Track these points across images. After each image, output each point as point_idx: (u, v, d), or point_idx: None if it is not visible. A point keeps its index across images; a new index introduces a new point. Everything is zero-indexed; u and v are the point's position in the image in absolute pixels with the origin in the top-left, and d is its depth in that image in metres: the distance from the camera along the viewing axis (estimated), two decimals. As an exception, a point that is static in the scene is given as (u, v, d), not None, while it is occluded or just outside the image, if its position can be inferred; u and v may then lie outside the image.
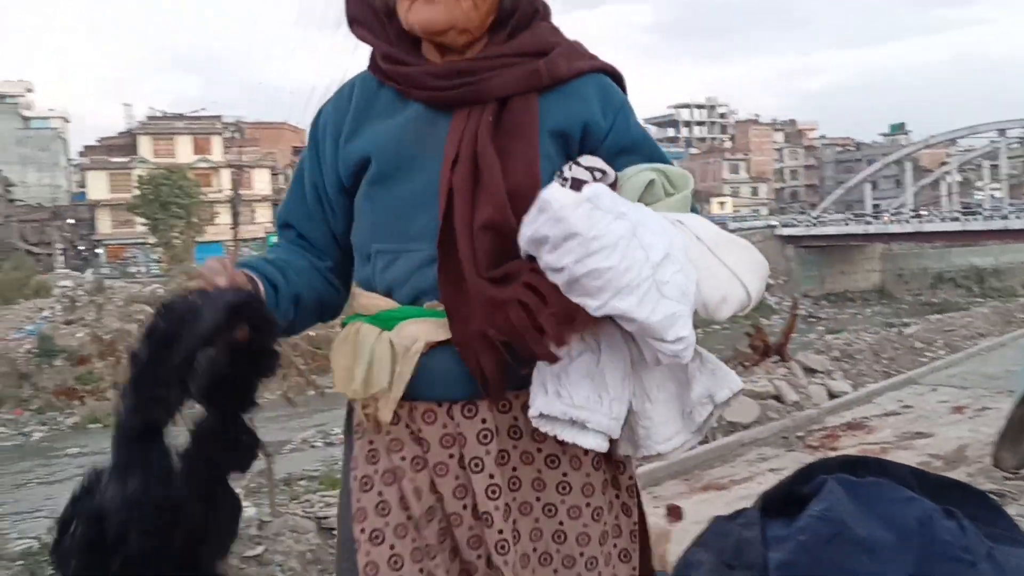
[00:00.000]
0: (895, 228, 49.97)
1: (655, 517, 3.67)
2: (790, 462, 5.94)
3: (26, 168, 60.76)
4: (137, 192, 45.20)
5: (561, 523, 1.40)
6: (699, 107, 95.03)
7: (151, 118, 60.51)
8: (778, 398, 8.67)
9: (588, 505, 1.41)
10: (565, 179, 1.35)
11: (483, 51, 1.43)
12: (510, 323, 1.27)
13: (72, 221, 56.09)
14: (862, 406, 8.28)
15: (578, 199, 1.23)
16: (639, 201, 1.36)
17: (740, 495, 5.02)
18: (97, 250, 52.37)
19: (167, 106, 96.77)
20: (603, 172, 1.37)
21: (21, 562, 7.51)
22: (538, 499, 1.41)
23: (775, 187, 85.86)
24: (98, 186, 56.22)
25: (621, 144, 1.46)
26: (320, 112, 1.54)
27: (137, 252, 50.00)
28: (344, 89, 1.53)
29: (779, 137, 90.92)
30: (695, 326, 1.29)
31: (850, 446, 6.51)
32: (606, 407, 1.32)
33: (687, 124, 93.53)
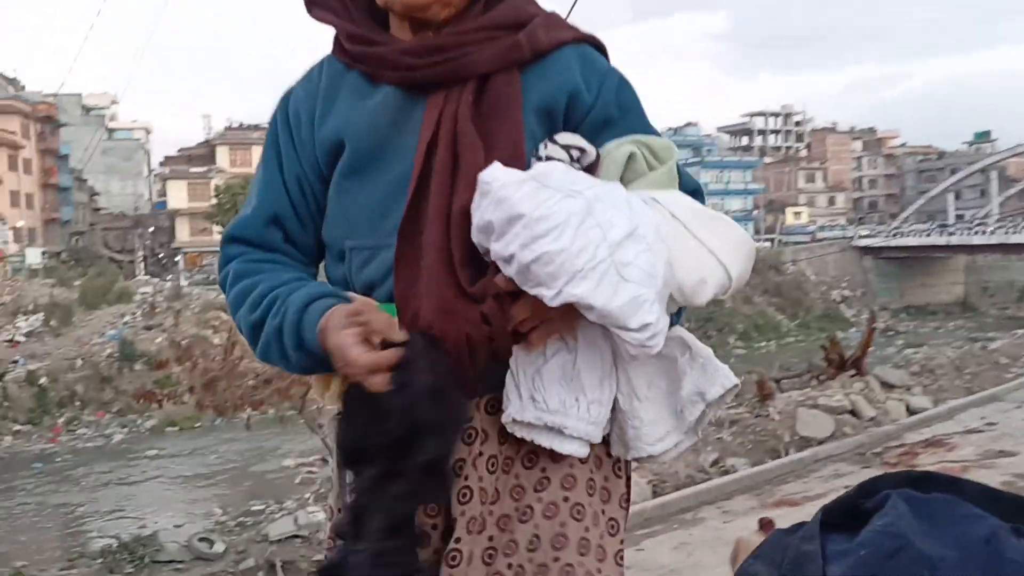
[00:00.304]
0: (979, 239, 48.25)
1: (747, 532, 3.61)
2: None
3: (110, 178, 63.20)
4: (214, 201, 46.54)
5: (563, 524, 1.25)
6: (774, 115, 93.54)
7: (229, 129, 62.40)
8: (854, 413, 8.49)
9: (588, 507, 1.28)
10: (540, 159, 1.24)
11: (457, 25, 1.31)
12: (468, 336, 1.20)
13: (152, 229, 57.98)
14: (943, 423, 8.06)
15: (521, 177, 1.14)
16: (621, 178, 1.25)
17: (813, 512, 4.92)
18: (176, 257, 53.98)
19: (244, 117, 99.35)
20: (581, 150, 1.26)
21: (100, 560, 7.79)
22: (538, 502, 1.27)
23: (853, 197, 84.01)
24: (178, 195, 58.16)
25: (606, 115, 1.34)
26: (289, 97, 1.41)
27: (214, 260, 51.42)
28: (312, 72, 1.41)
29: (857, 146, 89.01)
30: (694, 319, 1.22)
31: (929, 464, 6.32)
32: (583, 411, 1.23)
33: (761, 133, 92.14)
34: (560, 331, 1.22)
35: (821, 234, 54.20)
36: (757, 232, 65.89)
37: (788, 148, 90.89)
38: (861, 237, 53.06)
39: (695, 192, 1.34)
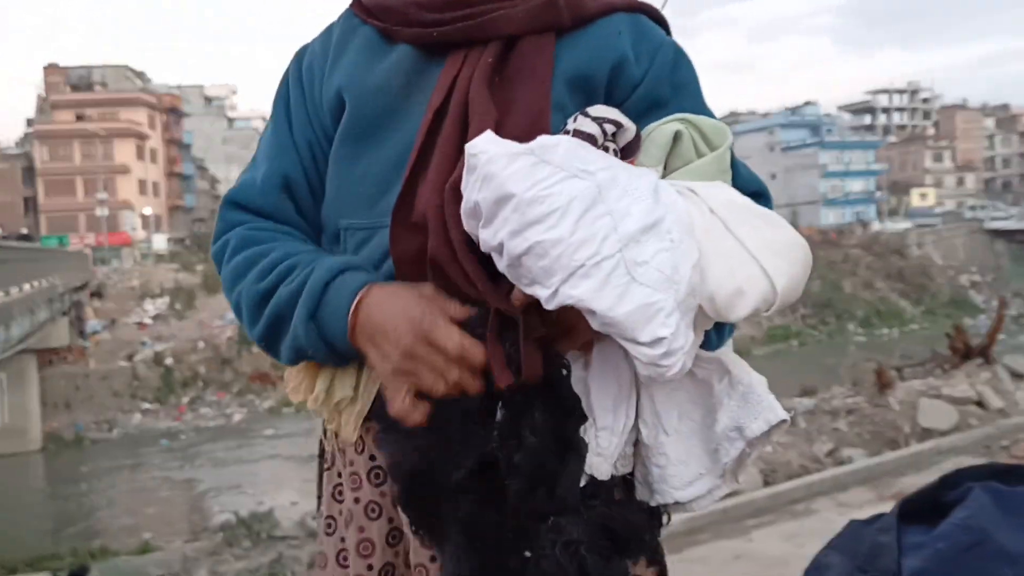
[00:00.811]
0: None
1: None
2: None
3: (230, 166, 66.10)
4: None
5: None
6: (899, 92, 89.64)
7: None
8: (980, 404, 8.11)
9: None
10: (568, 132, 1.05)
11: None
12: None
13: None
14: (1077, 415, 7.60)
15: (515, 150, 0.95)
16: (664, 164, 1.08)
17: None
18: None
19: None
20: (618, 124, 1.07)
21: (221, 533, 8.17)
22: None
23: (984, 177, 79.86)
24: (295, 184, 60.30)
25: (657, 94, 1.16)
26: (304, 51, 1.26)
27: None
28: (331, 26, 1.26)
29: (989, 123, 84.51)
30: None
31: (1059, 459, 5.99)
32: (591, 441, 1.02)
33: (885, 111, 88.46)
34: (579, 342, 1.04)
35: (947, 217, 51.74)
36: (880, 214, 63.43)
37: (914, 127, 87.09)
38: (993, 219, 50.35)
39: (757, 195, 1.11)
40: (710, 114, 1.17)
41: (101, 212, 47.21)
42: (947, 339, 10.42)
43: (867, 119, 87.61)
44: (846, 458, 6.83)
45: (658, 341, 0.90)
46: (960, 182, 77.15)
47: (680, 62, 1.20)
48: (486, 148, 0.96)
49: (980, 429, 7.36)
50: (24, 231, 31.74)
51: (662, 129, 1.08)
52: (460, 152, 1.02)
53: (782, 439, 6.83)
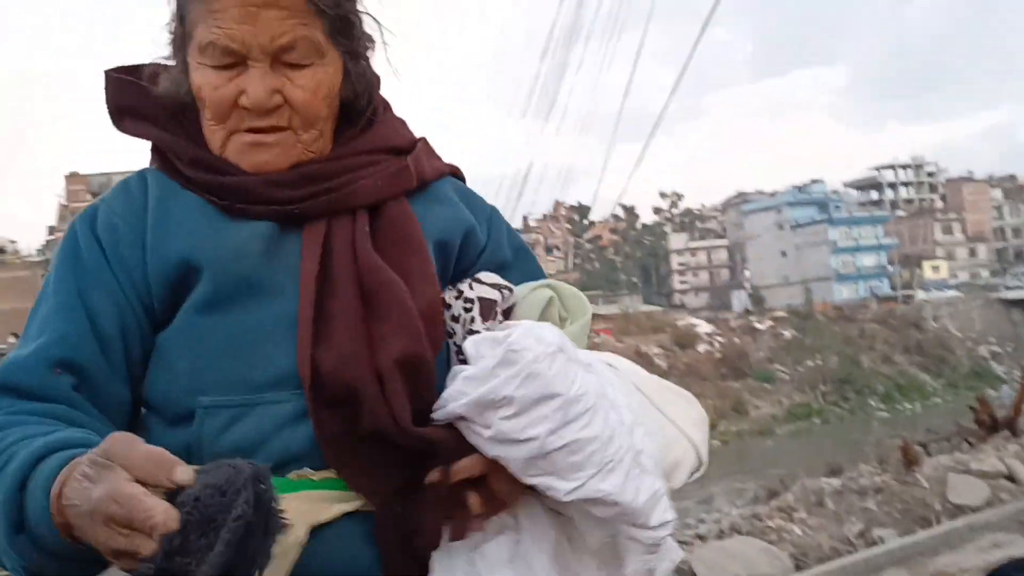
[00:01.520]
0: None
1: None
2: (1029, 549, 5.47)
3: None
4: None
5: None
6: (904, 167, 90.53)
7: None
8: (1011, 478, 7.98)
9: None
10: (470, 300, 1.10)
11: (336, 148, 1.13)
12: (426, 505, 1.00)
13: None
14: (1112, 487, 7.48)
15: (550, 347, 0.97)
16: None
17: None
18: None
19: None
20: (510, 290, 1.12)
21: None
22: None
23: (995, 247, 79.83)
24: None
25: (501, 257, 1.21)
26: (95, 214, 1.10)
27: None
28: (129, 185, 1.12)
29: (997, 194, 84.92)
30: None
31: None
32: None
33: (892, 186, 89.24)
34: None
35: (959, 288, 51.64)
36: (893, 288, 63.31)
37: (921, 200, 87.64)
38: (1008, 289, 50.22)
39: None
40: (543, 273, 1.25)
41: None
42: (971, 412, 10.32)
43: (874, 195, 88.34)
44: (877, 538, 6.71)
45: (665, 524, 0.97)
46: (972, 253, 77.21)
47: (508, 225, 1.27)
48: (528, 345, 0.96)
49: (1013, 504, 7.24)
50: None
51: (536, 294, 1.15)
52: (364, 321, 1.02)
53: (811, 521, 6.75)
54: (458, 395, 0.99)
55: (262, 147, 1.07)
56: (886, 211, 79.39)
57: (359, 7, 1.12)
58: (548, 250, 76.30)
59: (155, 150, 1.14)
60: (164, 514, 0.72)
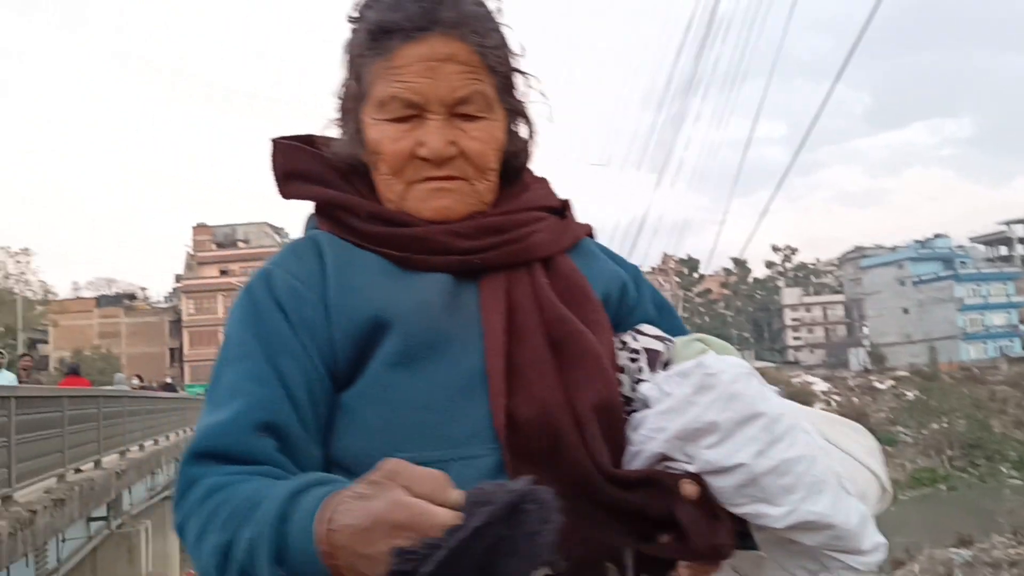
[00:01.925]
0: None
1: None
2: None
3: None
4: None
5: None
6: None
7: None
8: None
9: None
10: (635, 351, 1.09)
11: (501, 204, 1.15)
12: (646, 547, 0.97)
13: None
14: None
15: (744, 367, 0.97)
16: None
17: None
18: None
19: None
20: (670, 341, 1.12)
21: None
22: None
23: None
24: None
25: (648, 314, 1.21)
26: (270, 275, 1.09)
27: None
28: (300, 247, 1.13)
29: None
30: None
31: None
32: None
33: (1022, 241, 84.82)
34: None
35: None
36: (1026, 348, 59.83)
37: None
38: None
39: None
40: (686, 328, 1.24)
41: (239, 361, 49.45)
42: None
43: (1003, 250, 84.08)
44: (1018, 616, 6.29)
45: (878, 547, 0.93)
46: (1114, 312, 72.33)
47: (650, 284, 1.27)
48: (722, 367, 0.95)
49: None
50: (168, 380, 33.55)
51: (692, 346, 1.11)
52: (556, 371, 1.03)
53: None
54: (654, 433, 0.97)
55: (443, 192, 1.10)
56: (1017, 267, 75.42)
57: (523, 68, 1.16)
58: (657, 304, 75.08)
59: (322, 213, 1.16)
60: (453, 517, 0.74)
